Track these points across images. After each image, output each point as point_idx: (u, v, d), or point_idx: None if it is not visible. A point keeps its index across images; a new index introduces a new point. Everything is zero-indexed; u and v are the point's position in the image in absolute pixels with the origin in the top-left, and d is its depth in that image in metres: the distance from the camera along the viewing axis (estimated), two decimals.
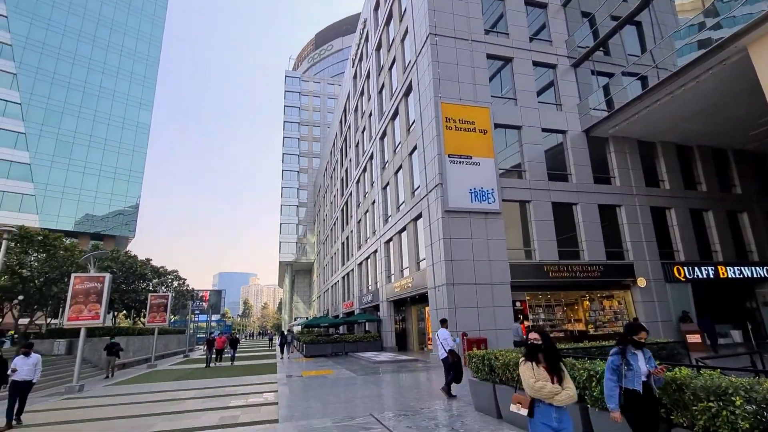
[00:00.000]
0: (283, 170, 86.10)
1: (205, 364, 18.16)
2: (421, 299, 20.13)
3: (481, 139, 16.59)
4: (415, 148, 19.13)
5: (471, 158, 16.17)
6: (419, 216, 18.20)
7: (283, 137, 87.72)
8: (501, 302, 15.23)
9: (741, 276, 18.91)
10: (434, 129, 16.31)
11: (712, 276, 18.43)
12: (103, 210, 52.88)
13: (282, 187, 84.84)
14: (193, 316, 63.13)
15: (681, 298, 17.78)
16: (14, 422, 7.51)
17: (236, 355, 18.22)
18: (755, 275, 19.14)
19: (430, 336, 19.03)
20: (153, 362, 20.63)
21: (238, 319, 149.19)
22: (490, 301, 15.08)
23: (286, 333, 26.44)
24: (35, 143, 47.58)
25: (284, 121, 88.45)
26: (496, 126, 17.41)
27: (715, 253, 19.35)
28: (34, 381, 7.94)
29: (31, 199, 45.98)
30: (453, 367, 8.40)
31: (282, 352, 24.69)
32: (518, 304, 16.00)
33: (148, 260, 30.83)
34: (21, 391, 7.72)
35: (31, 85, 48.43)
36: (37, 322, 25.47)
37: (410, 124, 20.23)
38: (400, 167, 21.53)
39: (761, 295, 19.87)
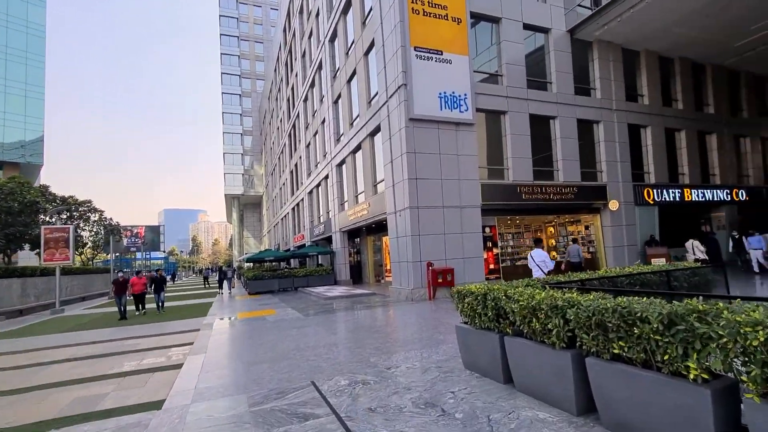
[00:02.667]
0: (222, 93, 76.77)
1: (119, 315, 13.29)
2: (378, 228, 17.97)
3: (455, 30, 13.35)
4: (372, 44, 15.48)
5: (441, 54, 13.04)
6: (377, 129, 15.22)
7: (221, 54, 76.96)
8: (470, 228, 13.32)
9: (703, 199, 18.50)
10: (397, 13, 12.74)
11: (677, 198, 17.78)
12: None
13: (223, 113, 76.26)
14: (132, 254, 57.91)
15: (648, 222, 17.06)
16: None
17: (167, 296, 15.05)
18: (715, 198, 18.84)
19: (388, 267, 17.22)
20: (58, 308, 17.15)
21: (187, 256, 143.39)
22: (458, 226, 13.09)
23: (225, 268, 23.68)
24: None
25: (221, 34, 76.91)
26: (472, 16, 14.16)
27: (682, 175, 18.60)
28: None
29: None
30: None
31: (221, 288, 22.18)
32: (487, 230, 14.25)
33: (44, 186, 25.19)
34: None
35: None
36: None
37: (366, 14, 16.25)
38: (354, 73, 17.87)
39: (716, 219, 19.91)
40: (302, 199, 30.36)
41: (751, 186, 20.59)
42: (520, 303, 3.49)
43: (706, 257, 12.89)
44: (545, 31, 15.74)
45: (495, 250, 14.15)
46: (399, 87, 12.66)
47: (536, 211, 15.63)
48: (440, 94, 12.88)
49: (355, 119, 17.90)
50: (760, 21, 15.76)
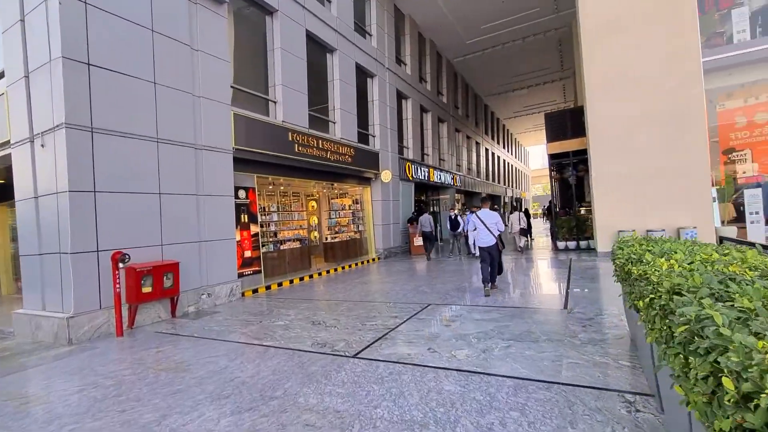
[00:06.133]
0: None
1: None
2: (5, 190, 8.71)
3: None
4: None
5: None
6: None
7: None
8: (215, 187, 7.37)
9: (439, 181, 19.64)
10: None
11: (425, 178, 17.90)
12: None
13: None
14: None
15: (407, 199, 16.15)
16: None
17: None
18: (445, 181, 20.52)
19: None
20: None
21: None
22: (191, 182, 6.88)
23: None
24: None
25: None
26: None
27: (426, 156, 19.08)
28: None
29: None
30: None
31: None
32: (242, 193, 8.61)
33: None
34: None
35: None
36: None
37: None
38: None
39: (443, 201, 21.97)
40: None
41: (461, 174, 24.12)
42: None
43: (527, 227, 12.35)
44: None
45: (254, 228, 8.74)
46: None
47: (309, 173, 11.24)
48: None
49: None
50: (495, 20, 17.52)
